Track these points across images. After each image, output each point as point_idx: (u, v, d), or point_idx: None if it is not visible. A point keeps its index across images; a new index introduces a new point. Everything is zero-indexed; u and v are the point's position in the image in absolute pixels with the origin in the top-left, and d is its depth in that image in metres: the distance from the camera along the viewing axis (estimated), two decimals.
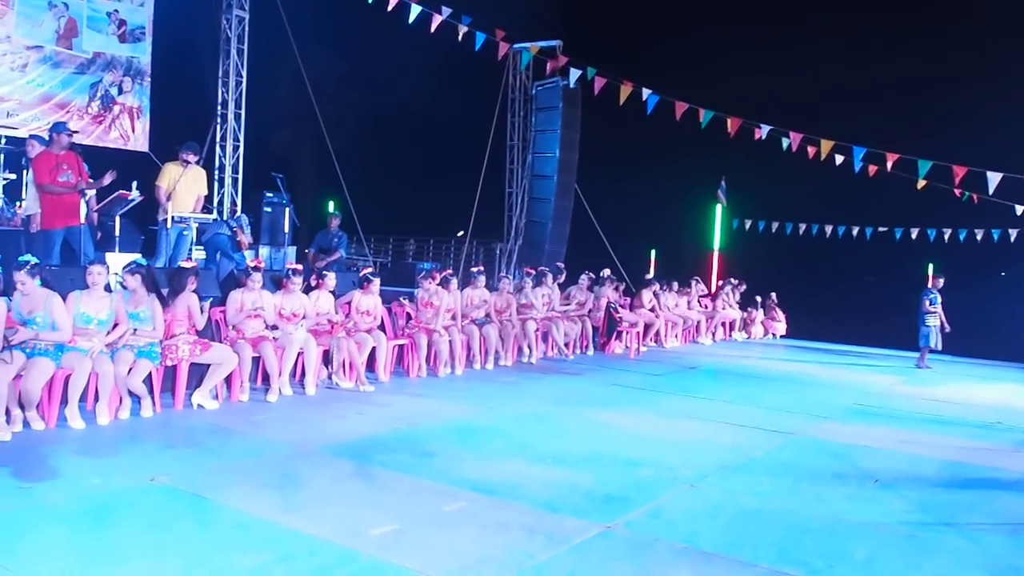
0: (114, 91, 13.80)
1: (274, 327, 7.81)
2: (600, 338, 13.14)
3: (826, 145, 10.61)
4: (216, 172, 14.02)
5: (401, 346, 9.55)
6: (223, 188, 14.54)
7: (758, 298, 17.68)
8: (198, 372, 7.04)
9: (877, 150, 10.63)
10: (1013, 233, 15.76)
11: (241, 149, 14.58)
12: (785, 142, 11.62)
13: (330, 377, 8.37)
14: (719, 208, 20.38)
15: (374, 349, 8.79)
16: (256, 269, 7.65)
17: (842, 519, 4.98)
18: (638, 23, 20.02)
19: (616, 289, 13.81)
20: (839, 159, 11.94)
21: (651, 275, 15.68)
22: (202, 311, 6.97)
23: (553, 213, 15.03)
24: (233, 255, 9.33)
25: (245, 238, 10.22)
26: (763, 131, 10.98)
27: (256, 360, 7.57)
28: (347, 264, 11.13)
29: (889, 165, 10.60)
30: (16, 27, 12.77)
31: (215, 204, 13.75)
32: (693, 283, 15.81)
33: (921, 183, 13.12)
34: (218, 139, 14.43)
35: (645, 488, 5.37)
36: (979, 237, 16.08)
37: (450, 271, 10.50)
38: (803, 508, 5.16)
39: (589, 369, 11.01)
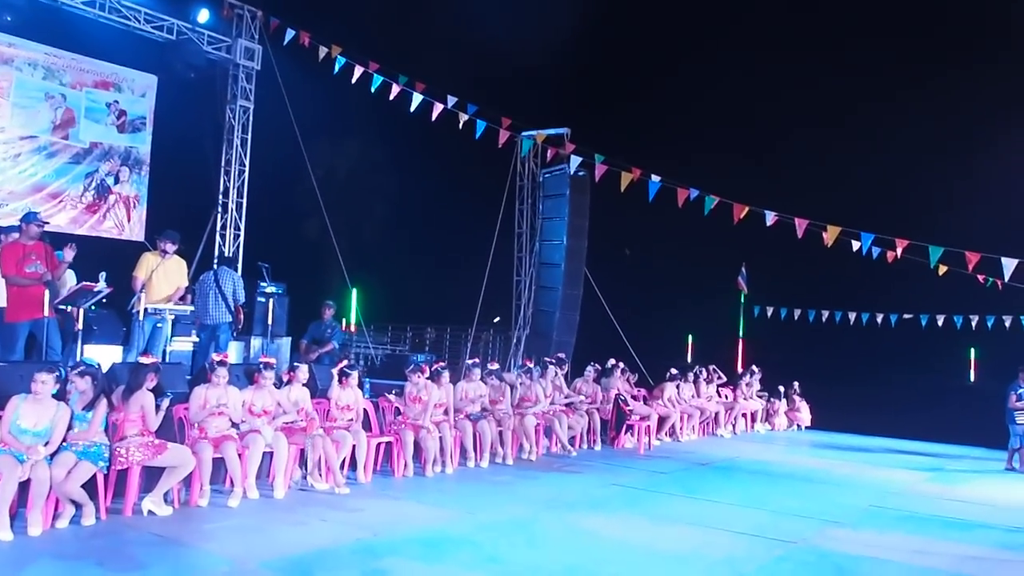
0: (110, 180, 13.82)
1: (244, 424, 7.46)
2: (609, 432, 12.60)
3: (832, 231, 10.23)
4: (215, 262, 13.95)
5: (387, 444, 9.13)
6: None
7: (781, 388, 17.03)
8: (158, 475, 6.68)
9: (885, 236, 10.21)
10: None
11: (242, 238, 14.54)
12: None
13: (304, 478, 7.96)
14: (742, 295, 19.95)
15: (355, 448, 8.38)
16: (221, 363, 7.35)
17: None
18: (647, 111, 20.03)
19: (627, 380, 13.33)
20: (855, 245, 11.56)
21: (689, 361, 15.16)
22: (159, 410, 6.64)
23: (561, 302, 14.70)
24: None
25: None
26: (768, 217, 10.63)
27: (223, 461, 7.20)
28: (345, 356, 10.84)
29: (899, 251, 10.16)
30: (11, 118, 12.92)
31: None
32: (710, 372, 15.23)
33: (942, 269, 12.67)
34: (218, 228, 14.42)
35: None
36: (1007, 323, 15.39)
37: (442, 363, 10.14)
38: None
39: (591, 466, 10.45)
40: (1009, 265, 9.33)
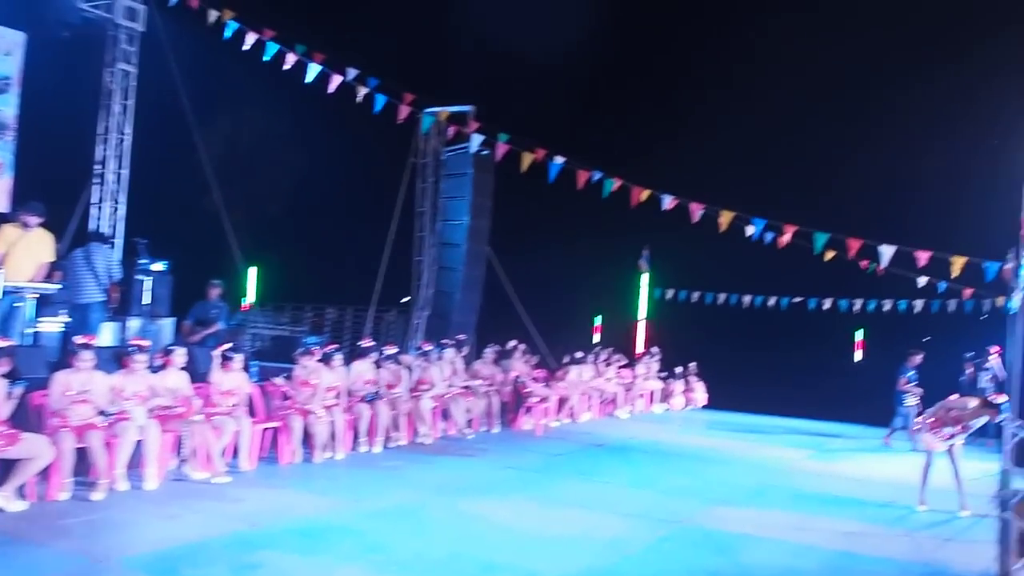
0: None
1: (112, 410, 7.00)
2: (508, 414, 12.52)
3: (726, 216, 10.33)
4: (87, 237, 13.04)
5: (274, 430, 8.79)
6: None
7: (678, 369, 17.31)
8: (12, 468, 6.19)
9: (775, 221, 10.39)
10: (919, 304, 15.75)
11: (120, 212, 13.67)
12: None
13: (180, 468, 7.57)
14: (643, 277, 20.18)
15: (238, 434, 8.02)
16: (85, 346, 6.87)
17: None
18: (554, 92, 19.95)
19: (527, 362, 13.27)
20: (749, 230, 11.73)
21: (595, 342, 15.14)
22: (10, 397, 6.14)
23: (462, 283, 14.48)
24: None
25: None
26: (666, 201, 10.66)
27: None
28: (231, 336, 10.34)
29: (787, 236, 10.36)
30: None
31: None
32: (610, 354, 15.31)
33: (829, 254, 13.01)
34: (95, 201, 13.50)
35: None
36: (887, 307, 16.02)
37: (334, 346, 9.83)
38: None
39: (488, 449, 10.33)
40: (887, 252, 9.62)
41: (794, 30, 17.87)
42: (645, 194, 10.97)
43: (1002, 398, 7.21)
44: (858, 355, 24.01)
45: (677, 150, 17.98)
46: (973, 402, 8.03)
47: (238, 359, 8.22)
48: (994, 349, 13.07)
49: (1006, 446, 5.95)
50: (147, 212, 13.84)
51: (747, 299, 17.44)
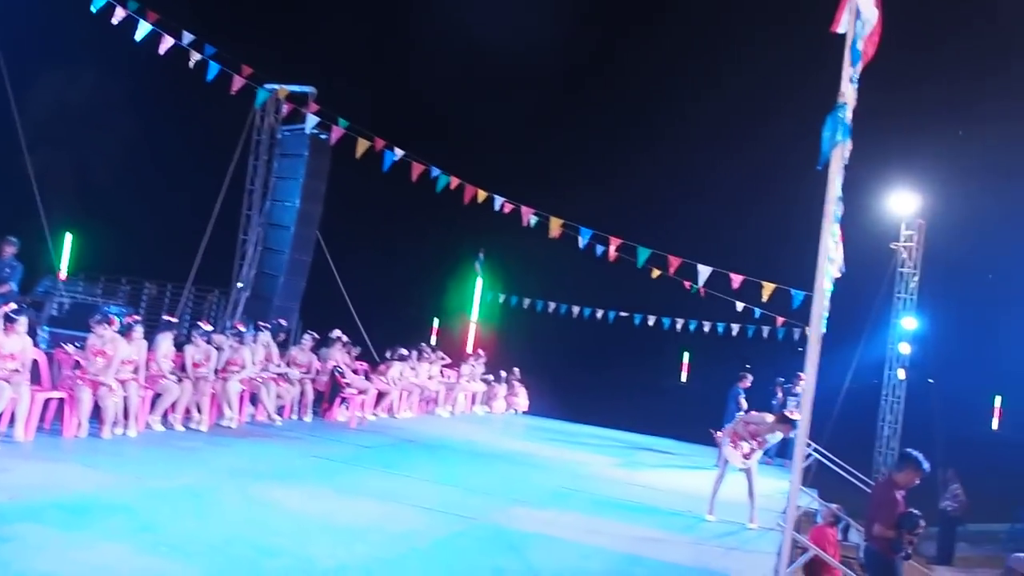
0: None
1: None
2: (323, 404, 12.23)
3: (555, 223, 10.60)
4: None
5: (60, 401, 8.16)
6: None
7: (503, 373, 17.54)
8: None
9: (601, 233, 10.76)
10: (735, 328, 16.73)
11: None
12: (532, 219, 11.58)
13: None
14: (478, 280, 20.36)
15: (15, 402, 7.38)
16: None
17: None
18: (400, 87, 19.81)
19: (348, 352, 12.99)
20: (580, 241, 12.10)
21: (431, 342, 15.00)
22: None
23: (287, 266, 14.00)
24: None
25: None
26: (498, 202, 10.79)
27: None
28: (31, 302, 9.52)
29: (612, 248, 10.75)
30: None
31: None
32: (433, 351, 15.26)
33: (655, 272, 13.63)
34: None
35: None
36: (707, 328, 16.95)
37: (137, 318, 9.25)
38: None
39: (295, 438, 10.03)
40: (704, 272, 10.18)
41: (644, 39, 18.60)
42: (480, 194, 11.09)
43: (797, 415, 7.74)
44: (683, 376, 25.23)
45: (515, 155, 18.28)
46: (770, 418, 8.54)
47: (22, 321, 7.57)
48: (803, 375, 14.01)
49: (796, 464, 6.36)
50: None
51: (576, 309, 17.93)
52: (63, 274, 19.43)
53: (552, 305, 18.20)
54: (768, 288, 9.98)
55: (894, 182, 17.62)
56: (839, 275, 10.59)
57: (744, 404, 13.22)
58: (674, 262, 10.32)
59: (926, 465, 7.30)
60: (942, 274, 18.33)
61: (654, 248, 10.32)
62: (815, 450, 13.83)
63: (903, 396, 18.21)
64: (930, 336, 18.36)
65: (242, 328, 10.76)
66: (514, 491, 8.62)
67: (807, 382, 7.16)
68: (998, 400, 30.15)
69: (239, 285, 14.19)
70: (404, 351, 13.53)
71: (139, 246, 19.39)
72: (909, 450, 7.56)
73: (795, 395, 13.91)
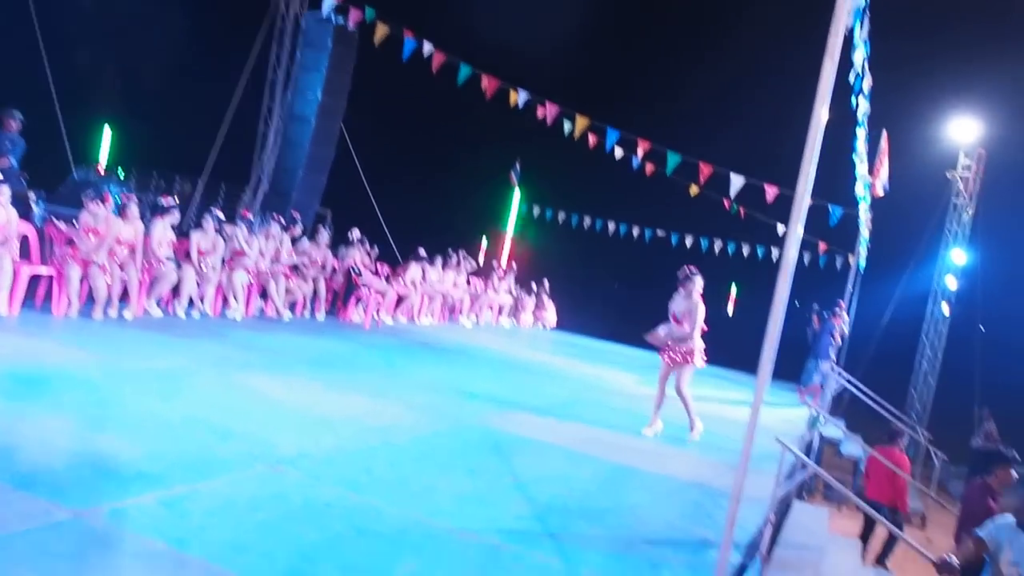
0: None
1: None
2: (338, 304, 11.93)
3: (581, 121, 9.92)
4: None
5: (48, 278, 7.92)
6: None
7: (533, 286, 17.09)
8: None
9: (629, 135, 10.05)
10: (775, 251, 15.96)
11: None
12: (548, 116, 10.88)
13: None
14: (515, 192, 19.77)
15: None
16: None
17: (428, 524, 4.03)
18: None
19: (367, 252, 12.62)
20: (609, 144, 11.41)
21: (454, 249, 14.57)
22: None
23: (307, 161, 13.52)
24: None
25: None
26: (522, 98, 10.11)
27: None
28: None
29: (640, 152, 10.05)
30: None
31: None
32: (461, 258, 14.77)
33: (694, 190, 12.90)
34: None
35: (205, 466, 4.19)
36: (745, 252, 16.22)
37: (133, 196, 8.92)
38: (391, 508, 4.16)
39: (301, 333, 9.74)
40: (736, 182, 9.47)
41: None
42: (510, 96, 10.40)
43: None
44: (730, 309, 24.48)
45: (556, 65, 17.39)
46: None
47: (4, 192, 7.25)
48: (843, 303, 13.45)
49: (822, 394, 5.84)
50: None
51: (612, 226, 17.28)
52: (102, 167, 19.36)
53: (588, 220, 17.56)
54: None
55: (956, 107, 16.42)
56: (882, 195, 9.84)
57: (838, 340, 12.77)
58: (705, 170, 9.61)
59: (1014, 453, 6.77)
60: (999, 208, 17.20)
61: (684, 155, 9.61)
62: (848, 381, 13.27)
63: (945, 332, 17.38)
64: (979, 272, 17.36)
65: (251, 217, 10.40)
66: (518, 398, 8.23)
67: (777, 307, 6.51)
68: None
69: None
70: (423, 252, 13.09)
71: (171, 140, 19.12)
72: (999, 447, 7.04)
73: (831, 323, 13.25)
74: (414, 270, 13.03)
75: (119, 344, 7.07)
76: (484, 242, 21.12)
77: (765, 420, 7.91)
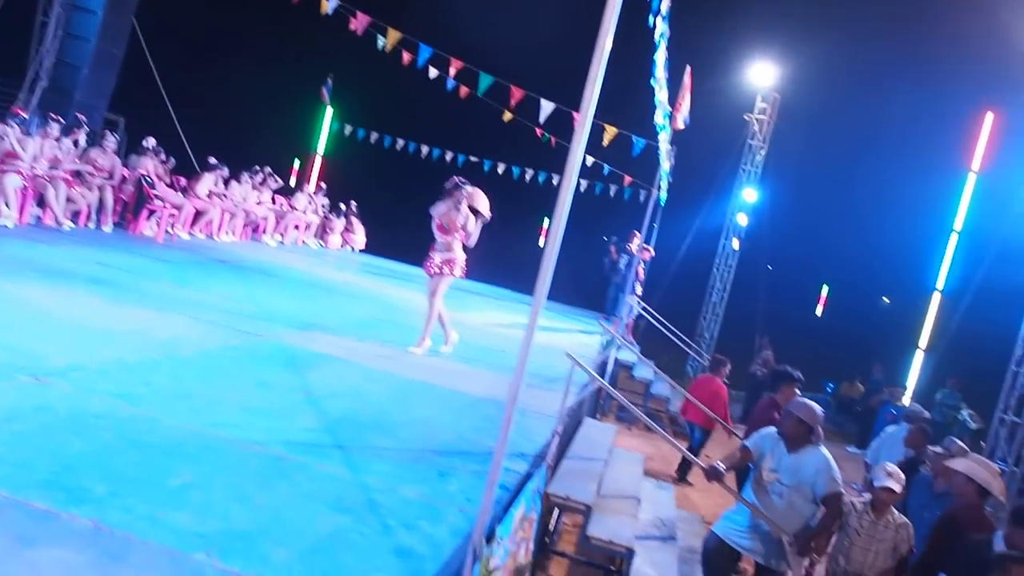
0: None
1: None
2: (127, 215, 11.18)
3: (392, 35, 9.68)
4: None
5: None
6: None
7: (341, 206, 16.76)
8: None
9: (442, 53, 9.96)
10: (584, 183, 16.49)
11: None
12: (381, 39, 10.55)
13: None
14: (328, 110, 19.13)
15: None
16: None
17: (213, 435, 3.94)
18: None
19: (162, 162, 11.85)
20: (433, 73, 11.25)
21: (260, 169, 13.82)
22: None
23: (93, 57, 12.35)
24: None
25: None
26: (331, 4, 9.71)
27: None
28: None
29: (452, 71, 10.00)
30: None
31: None
32: (265, 175, 14.20)
33: (507, 116, 13.01)
34: None
35: None
36: (554, 181, 16.64)
37: None
38: (169, 419, 4.03)
39: (84, 244, 9.07)
40: (547, 107, 9.65)
41: None
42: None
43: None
44: (540, 241, 25.05)
45: None
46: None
47: None
48: (638, 233, 14.09)
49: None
50: None
51: (425, 149, 17.13)
52: None
53: (400, 142, 17.30)
54: (610, 132, 9.61)
55: (757, 52, 17.49)
56: (682, 127, 10.42)
57: (641, 274, 13.33)
58: (516, 94, 9.73)
59: (798, 374, 7.39)
60: (787, 151, 18.68)
61: (497, 77, 9.65)
62: (644, 309, 14.12)
63: (734, 265, 18.83)
64: (767, 211, 18.88)
65: (24, 115, 9.45)
66: (318, 318, 8.12)
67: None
68: (825, 289, 32.16)
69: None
70: (215, 161, 12.38)
71: None
72: (784, 367, 7.65)
73: (628, 253, 13.97)
74: (207, 180, 12.33)
75: None
76: (296, 164, 20.38)
77: (563, 343, 8.34)
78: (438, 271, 7.38)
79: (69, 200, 9.83)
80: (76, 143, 10.09)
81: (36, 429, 3.48)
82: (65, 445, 3.38)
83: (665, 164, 10.92)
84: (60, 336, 5.05)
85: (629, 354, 12.64)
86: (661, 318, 14.64)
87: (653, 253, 14.60)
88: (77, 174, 10.02)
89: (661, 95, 7.57)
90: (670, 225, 16.82)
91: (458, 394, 6.25)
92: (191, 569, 2.66)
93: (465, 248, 7.45)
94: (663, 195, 14.76)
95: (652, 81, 6.66)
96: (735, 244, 18.86)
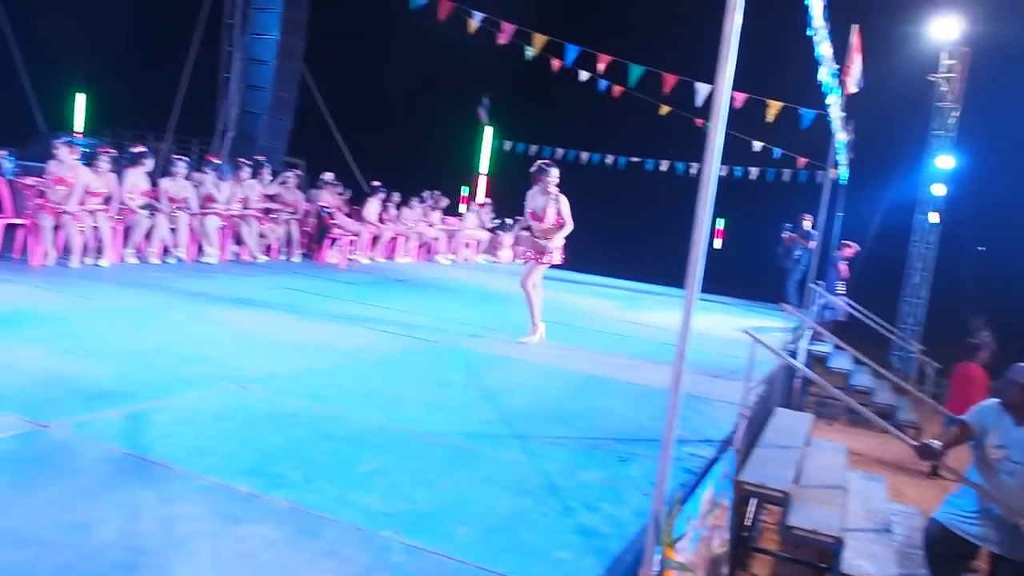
0: None
1: None
2: (312, 245, 11.93)
3: (539, 40, 9.77)
4: None
5: (24, 232, 7.91)
6: None
7: (509, 220, 17.05)
8: None
9: (590, 50, 9.92)
10: (754, 171, 15.93)
11: None
12: (529, 50, 10.74)
13: None
14: (487, 129, 19.61)
15: None
16: None
17: (397, 429, 4.12)
18: None
19: (338, 194, 12.57)
20: (584, 76, 11.28)
21: (431, 190, 14.46)
22: None
23: (270, 104, 13.37)
24: None
25: None
26: (476, 20, 9.95)
27: None
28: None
29: (601, 68, 9.94)
30: None
31: None
32: (436, 198, 14.75)
33: (664, 109, 12.82)
34: None
35: (172, 386, 4.27)
36: (723, 173, 16.15)
37: (107, 149, 8.86)
38: (356, 416, 4.25)
39: (276, 274, 9.77)
40: (703, 90, 9.38)
41: None
42: (450, 8, 10.10)
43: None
44: (717, 243, 24.42)
45: None
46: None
47: None
48: (808, 216, 13.37)
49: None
50: None
51: (584, 155, 17.15)
52: (79, 131, 19.09)
53: (560, 151, 17.42)
54: (774, 107, 9.17)
55: (935, 5, 15.96)
56: (855, 91, 9.77)
57: (845, 271, 12.80)
58: (670, 80, 9.53)
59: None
60: (985, 109, 16.90)
61: (646, 66, 9.50)
62: (850, 305, 13.30)
63: (936, 242, 17.23)
64: (968, 177, 17.18)
65: (217, 162, 10.34)
66: (492, 324, 8.28)
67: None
68: None
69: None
70: (378, 184, 12.94)
71: (142, 101, 18.81)
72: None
73: (809, 233, 13.24)
74: (373, 203, 12.92)
75: (94, 287, 7.10)
76: (464, 191, 21.01)
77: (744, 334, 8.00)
78: (533, 258, 7.19)
79: (261, 235, 10.64)
80: (262, 183, 10.93)
81: (240, 426, 3.77)
82: (264, 439, 3.64)
83: (840, 136, 10.26)
84: (258, 350, 5.45)
85: (824, 344, 11.96)
86: (858, 306, 13.73)
87: (856, 248, 13.69)
88: (267, 211, 10.84)
89: (823, 48, 7.07)
90: (855, 205, 15.83)
91: (634, 386, 6.16)
92: (379, 544, 2.78)
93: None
94: (843, 173, 13.88)
95: (809, 31, 6.24)
96: (934, 218, 17.24)
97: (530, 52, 9.78)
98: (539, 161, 7.25)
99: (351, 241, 11.91)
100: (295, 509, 2.94)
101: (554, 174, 7.01)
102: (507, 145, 17.99)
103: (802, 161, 15.22)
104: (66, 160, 8.10)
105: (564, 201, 7.02)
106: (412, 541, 2.82)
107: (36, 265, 7.80)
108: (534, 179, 7.10)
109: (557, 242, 7.10)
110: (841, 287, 13.36)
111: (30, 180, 8.16)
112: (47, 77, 14.80)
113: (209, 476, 3.10)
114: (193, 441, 3.47)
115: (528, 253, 7.25)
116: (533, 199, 7.13)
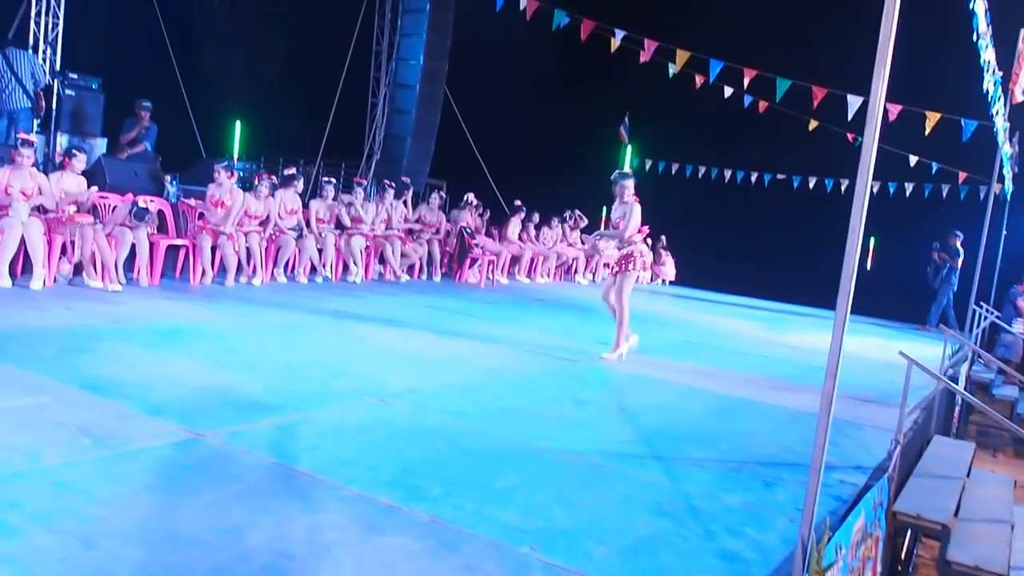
0: None
1: None
2: (453, 265, 12.19)
3: (681, 56, 9.62)
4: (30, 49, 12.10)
5: (185, 252, 8.48)
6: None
7: (649, 240, 16.84)
8: None
9: (734, 65, 9.67)
10: (909, 187, 15.05)
11: (60, 26, 12.78)
12: (662, 64, 10.61)
13: (78, 273, 7.26)
14: (627, 148, 19.46)
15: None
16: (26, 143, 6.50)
17: (535, 446, 4.10)
18: None
19: (478, 215, 12.82)
20: (728, 91, 11.03)
21: (571, 210, 14.61)
22: None
23: (414, 127, 13.81)
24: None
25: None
26: (617, 39, 9.91)
27: None
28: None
29: (746, 82, 9.67)
30: None
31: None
32: (576, 218, 14.81)
33: (813, 124, 12.34)
34: (32, 13, 12.59)
35: (318, 399, 4.43)
36: (875, 189, 15.34)
37: (269, 176, 9.38)
38: (495, 432, 4.27)
39: (418, 293, 10.03)
40: (854, 103, 8.94)
41: None
42: (591, 27, 10.10)
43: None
44: (868, 263, 23.23)
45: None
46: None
47: (80, 159, 7.57)
48: (956, 234, 12.78)
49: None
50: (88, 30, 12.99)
51: (728, 173, 16.72)
52: (236, 156, 20.39)
53: (703, 169, 17.06)
54: (932, 118, 8.61)
55: None
56: (1022, 99, 9.05)
57: None
58: (819, 93, 9.15)
59: None
60: None
61: (794, 79, 9.15)
62: (987, 311, 12.44)
63: None
64: None
65: (364, 183, 10.75)
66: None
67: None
68: None
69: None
70: (519, 203, 13.09)
71: (295, 128, 19.84)
72: None
73: (956, 251, 12.53)
74: (514, 222, 13.10)
75: (247, 305, 7.50)
76: (603, 210, 20.89)
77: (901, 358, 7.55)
78: (618, 268, 6.93)
79: (403, 255, 10.96)
80: (406, 204, 11.28)
81: (382, 439, 3.86)
82: (405, 452, 3.70)
83: (1006, 148, 9.56)
84: (400, 366, 5.59)
85: (987, 370, 11.15)
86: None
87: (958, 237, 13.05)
88: (409, 232, 11.18)
89: (987, 55, 6.63)
90: (1019, 222, 14.72)
91: (780, 408, 5.91)
92: (517, 560, 2.75)
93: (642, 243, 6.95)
94: (1008, 187, 12.95)
95: (974, 37, 5.84)
96: None
97: (673, 69, 9.65)
98: (616, 171, 7.20)
99: (491, 261, 12.08)
100: (434, 522, 2.96)
101: (630, 184, 6.94)
102: (648, 164, 17.76)
103: (963, 176, 14.26)
104: (224, 183, 8.62)
105: (635, 210, 6.83)
106: (550, 559, 2.79)
107: (194, 284, 8.32)
108: (613, 190, 7.02)
109: (639, 249, 6.89)
110: (1020, 325, 12.49)
111: (192, 202, 8.73)
112: (208, 106, 15.89)
113: (352, 487, 3.18)
114: (337, 453, 3.58)
115: (613, 266, 7.08)
116: (615, 210, 7.07)
